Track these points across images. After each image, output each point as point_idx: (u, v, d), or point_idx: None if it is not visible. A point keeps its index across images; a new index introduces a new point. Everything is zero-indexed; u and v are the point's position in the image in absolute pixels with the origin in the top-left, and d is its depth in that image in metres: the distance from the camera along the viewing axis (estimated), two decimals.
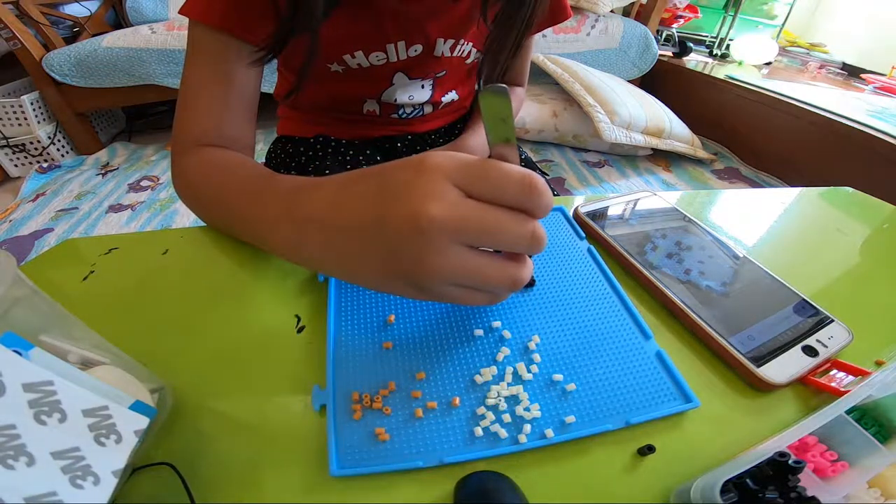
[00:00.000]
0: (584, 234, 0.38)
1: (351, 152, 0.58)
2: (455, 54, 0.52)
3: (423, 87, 0.56)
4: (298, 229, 0.26)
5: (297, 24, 0.39)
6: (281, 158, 0.62)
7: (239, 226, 0.34)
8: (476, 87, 0.68)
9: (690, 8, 2.07)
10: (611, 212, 0.41)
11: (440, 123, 0.64)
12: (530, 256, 0.25)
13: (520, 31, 0.46)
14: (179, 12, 0.42)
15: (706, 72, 1.86)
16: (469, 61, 0.56)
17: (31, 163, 1.51)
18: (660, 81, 1.95)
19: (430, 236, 0.20)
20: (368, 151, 0.58)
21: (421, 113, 0.60)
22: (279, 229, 0.28)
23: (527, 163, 0.64)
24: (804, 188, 0.50)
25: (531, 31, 0.54)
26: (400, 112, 0.58)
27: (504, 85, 0.20)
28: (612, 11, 1.87)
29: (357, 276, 0.25)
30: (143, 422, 0.20)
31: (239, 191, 0.33)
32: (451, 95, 0.61)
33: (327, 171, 0.55)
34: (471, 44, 0.53)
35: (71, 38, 1.65)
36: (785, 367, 0.27)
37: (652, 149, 1.61)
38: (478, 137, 0.59)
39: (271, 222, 0.29)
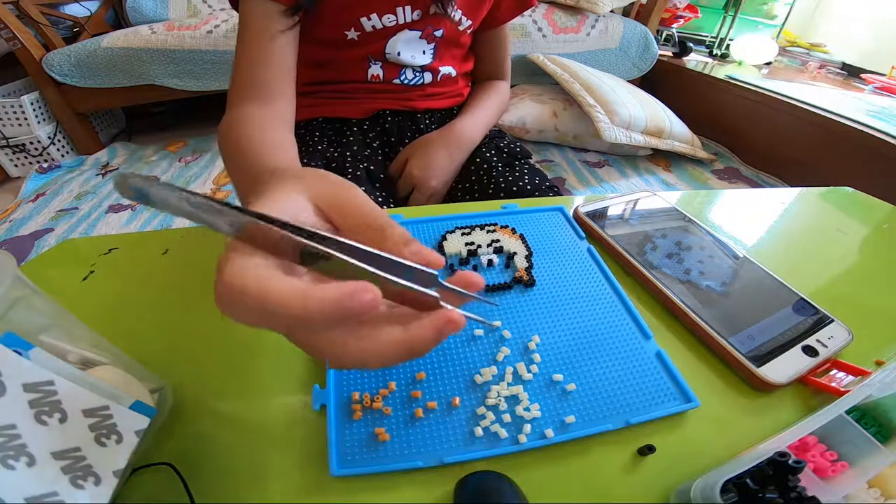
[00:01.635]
0: (584, 234, 0.38)
1: (348, 132, 0.61)
2: (448, 13, 0.57)
3: (424, 51, 0.59)
4: None
5: None
6: None
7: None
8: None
9: (690, 8, 2.07)
10: (611, 212, 0.41)
11: (438, 104, 0.66)
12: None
13: None
14: None
15: (706, 72, 1.85)
16: (461, 28, 0.60)
17: (31, 163, 1.50)
18: (660, 81, 1.95)
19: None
20: (370, 134, 0.62)
21: (421, 81, 0.62)
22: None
23: (510, 151, 0.64)
24: (804, 188, 0.50)
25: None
26: (402, 77, 0.60)
27: (128, 174, 0.14)
28: (612, 11, 1.86)
29: None
30: (143, 422, 0.20)
31: (239, 164, 0.39)
32: (449, 70, 0.63)
33: (328, 151, 0.59)
34: (460, 11, 0.57)
35: (71, 38, 1.64)
36: (785, 367, 0.27)
37: (652, 149, 1.61)
38: (466, 122, 0.61)
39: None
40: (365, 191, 0.53)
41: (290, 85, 0.49)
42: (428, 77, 0.62)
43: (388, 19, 0.54)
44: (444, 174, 0.58)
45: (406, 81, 0.61)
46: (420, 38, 0.58)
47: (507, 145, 0.64)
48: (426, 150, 0.58)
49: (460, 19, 0.58)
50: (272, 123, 0.44)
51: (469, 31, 0.62)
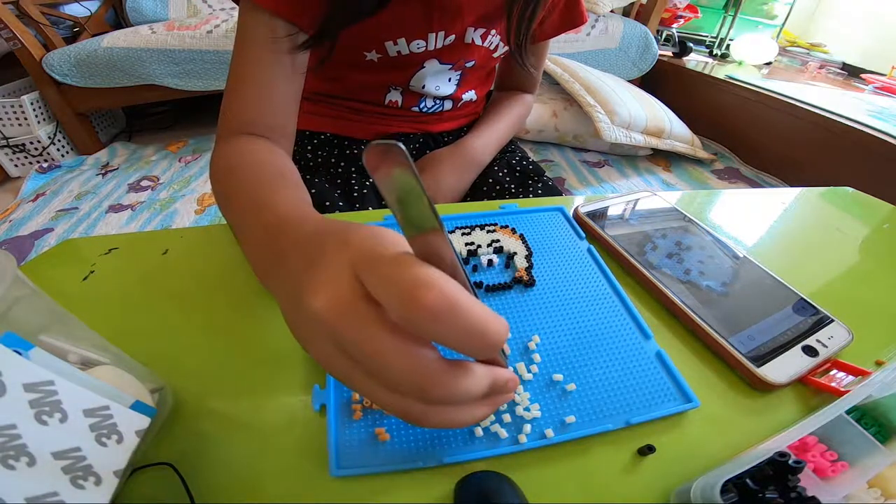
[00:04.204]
0: (584, 234, 0.38)
1: (355, 148, 0.58)
2: (484, 44, 0.53)
3: (449, 79, 0.57)
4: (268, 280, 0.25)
5: (357, 12, 0.40)
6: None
7: (237, 233, 0.32)
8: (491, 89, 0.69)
9: (690, 8, 2.07)
10: (611, 212, 0.41)
11: (454, 125, 0.64)
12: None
13: None
14: None
15: (706, 72, 1.85)
16: (496, 55, 0.57)
17: (31, 163, 1.50)
18: (660, 81, 1.95)
19: (309, 325, 0.18)
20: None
21: (440, 108, 0.60)
22: (261, 269, 0.26)
23: (522, 169, 0.62)
24: (804, 188, 0.50)
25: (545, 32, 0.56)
26: (421, 105, 0.58)
27: (396, 143, 0.14)
28: (612, 11, 1.87)
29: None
30: (144, 422, 0.20)
31: (243, 205, 0.32)
32: (471, 95, 0.61)
33: (333, 166, 0.57)
34: (499, 36, 0.54)
35: (71, 38, 1.64)
36: (785, 367, 0.27)
37: (652, 149, 1.61)
38: (479, 140, 0.59)
39: (261, 261, 0.27)
40: (370, 206, 0.52)
41: (295, 120, 0.44)
42: (448, 105, 0.60)
43: (417, 45, 0.50)
44: (451, 195, 0.56)
45: (425, 110, 0.59)
46: (449, 69, 0.55)
47: (520, 162, 0.61)
48: (434, 169, 0.55)
49: (497, 46, 0.55)
50: (281, 161, 0.38)
51: (502, 56, 0.58)
